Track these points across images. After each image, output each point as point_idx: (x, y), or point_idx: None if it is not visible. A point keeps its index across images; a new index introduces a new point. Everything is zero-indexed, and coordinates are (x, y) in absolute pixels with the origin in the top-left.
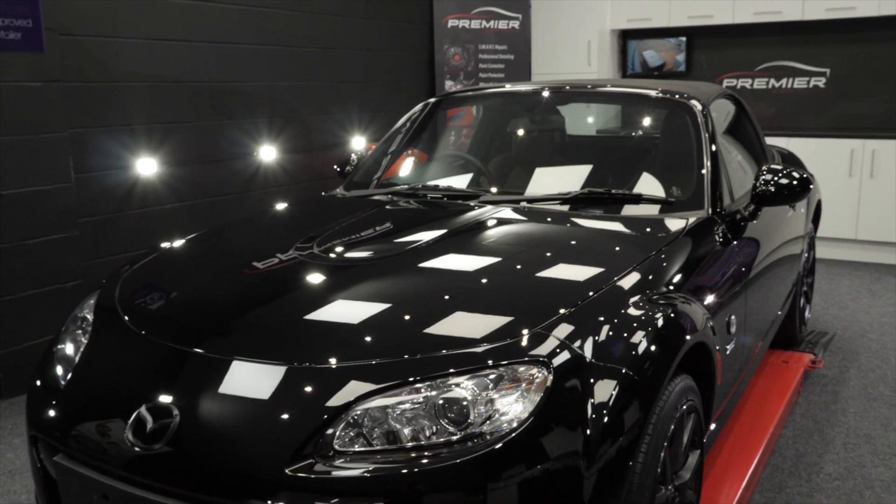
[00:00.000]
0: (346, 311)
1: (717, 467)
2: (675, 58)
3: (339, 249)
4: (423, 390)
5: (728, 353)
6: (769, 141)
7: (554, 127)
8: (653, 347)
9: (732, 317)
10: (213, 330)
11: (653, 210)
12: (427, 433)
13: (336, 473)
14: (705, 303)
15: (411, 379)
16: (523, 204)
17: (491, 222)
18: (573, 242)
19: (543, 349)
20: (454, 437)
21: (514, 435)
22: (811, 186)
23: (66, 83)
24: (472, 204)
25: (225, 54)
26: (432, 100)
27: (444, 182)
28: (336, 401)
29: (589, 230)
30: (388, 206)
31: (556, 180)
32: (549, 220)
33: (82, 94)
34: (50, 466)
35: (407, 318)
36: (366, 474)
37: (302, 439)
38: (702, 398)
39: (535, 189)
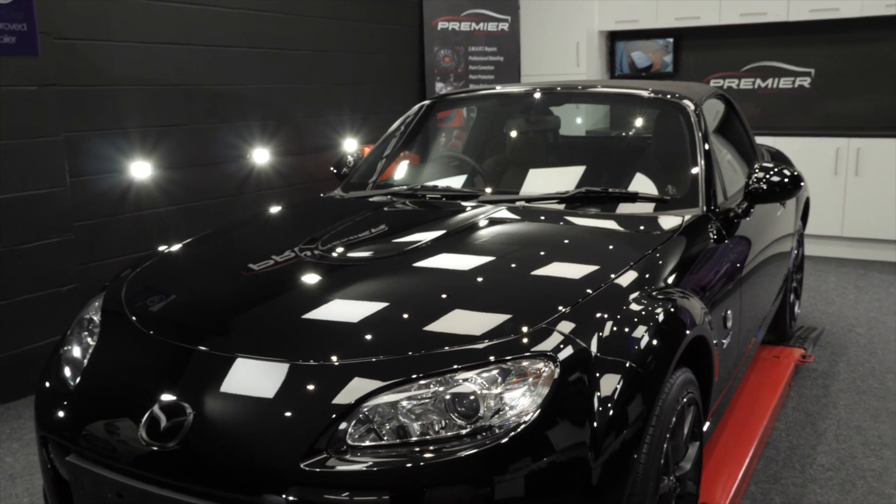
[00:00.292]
0: (351, 309)
1: (714, 460)
2: (662, 59)
3: (340, 250)
4: (431, 386)
5: (724, 347)
6: (756, 140)
7: (549, 127)
8: (655, 341)
9: (728, 312)
10: (221, 329)
11: (648, 208)
12: (436, 427)
13: (349, 467)
14: (702, 298)
15: (414, 376)
16: (521, 203)
17: (489, 222)
18: (571, 241)
19: (549, 344)
20: (464, 431)
21: (522, 428)
22: (802, 184)
23: (61, 87)
24: (470, 204)
25: (218, 57)
26: (427, 101)
27: (441, 183)
28: (344, 397)
29: (586, 229)
30: (387, 208)
31: (551, 180)
32: (546, 219)
33: (77, 97)
34: (61, 467)
35: (410, 315)
36: (378, 468)
37: (315, 435)
38: (700, 391)
39: (531, 189)
